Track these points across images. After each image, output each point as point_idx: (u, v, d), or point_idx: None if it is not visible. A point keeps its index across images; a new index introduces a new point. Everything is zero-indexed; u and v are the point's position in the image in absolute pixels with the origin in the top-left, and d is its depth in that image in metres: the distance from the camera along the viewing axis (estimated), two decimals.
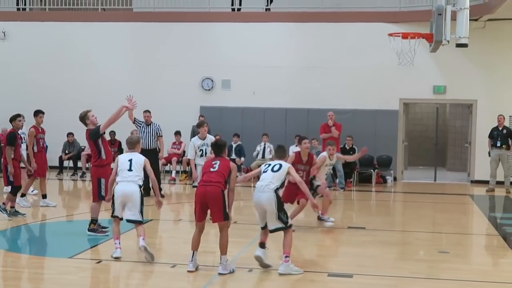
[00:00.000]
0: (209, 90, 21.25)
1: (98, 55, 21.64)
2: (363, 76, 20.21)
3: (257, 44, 20.94)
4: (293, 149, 19.00)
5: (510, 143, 18.15)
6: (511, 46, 19.73)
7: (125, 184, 9.07)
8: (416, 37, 14.47)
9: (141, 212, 9.11)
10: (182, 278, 8.23)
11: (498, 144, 18.12)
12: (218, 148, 8.77)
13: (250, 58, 20.83)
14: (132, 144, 9.53)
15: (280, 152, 8.93)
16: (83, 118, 10.74)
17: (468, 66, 19.87)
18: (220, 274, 8.25)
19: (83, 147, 20.38)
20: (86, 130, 10.66)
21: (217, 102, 21.02)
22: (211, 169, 8.41)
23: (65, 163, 20.75)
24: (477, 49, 18.22)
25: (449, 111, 25.04)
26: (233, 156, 19.73)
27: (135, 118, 15.08)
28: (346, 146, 19.05)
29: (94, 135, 10.44)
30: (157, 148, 15.78)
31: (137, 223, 9.06)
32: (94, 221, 10.60)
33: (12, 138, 12.44)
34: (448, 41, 13.23)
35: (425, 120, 25.16)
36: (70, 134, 20.45)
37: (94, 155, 10.52)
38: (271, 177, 8.46)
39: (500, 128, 18.24)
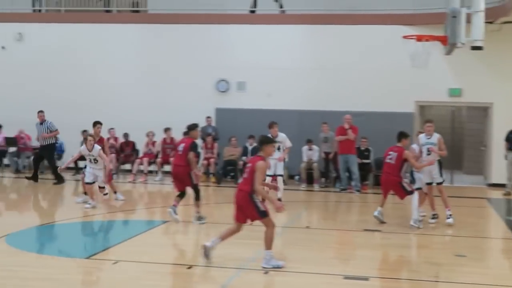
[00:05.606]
0: (224, 92, 21.26)
1: (112, 56, 21.67)
2: (378, 79, 20.13)
3: (272, 46, 20.91)
4: (305, 151, 19.07)
5: None
6: None
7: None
8: (431, 40, 14.35)
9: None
10: (197, 279, 8.24)
11: None
12: (258, 143, 9.38)
13: (265, 60, 20.80)
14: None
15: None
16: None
17: (484, 68, 19.74)
18: (263, 267, 8.56)
19: None
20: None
21: (232, 104, 21.02)
22: (244, 175, 8.88)
23: (81, 164, 20.80)
24: (492, 52, 18.03)
25: (465, 113, 24.87)
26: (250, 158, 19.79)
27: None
28: (361, 147, 18.98)
29: None
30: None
31: None
32: None
33: (196, 148, 12.26)
34: (463, 44, 13.13)
35: (441, 122, 24.91)
36: (84, 131, 20.43)
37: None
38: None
39: None
